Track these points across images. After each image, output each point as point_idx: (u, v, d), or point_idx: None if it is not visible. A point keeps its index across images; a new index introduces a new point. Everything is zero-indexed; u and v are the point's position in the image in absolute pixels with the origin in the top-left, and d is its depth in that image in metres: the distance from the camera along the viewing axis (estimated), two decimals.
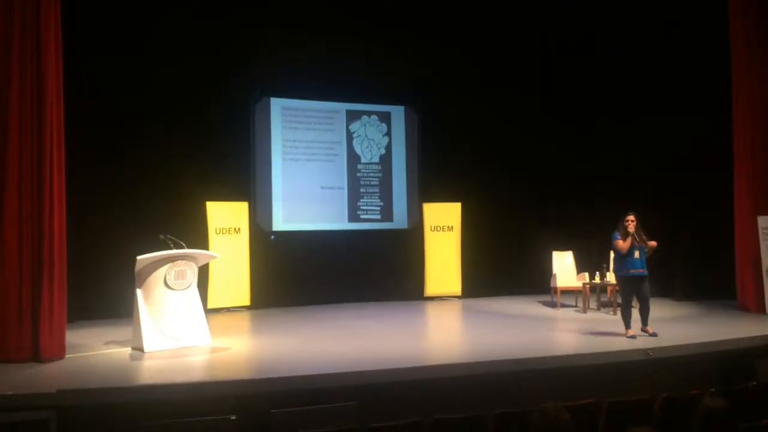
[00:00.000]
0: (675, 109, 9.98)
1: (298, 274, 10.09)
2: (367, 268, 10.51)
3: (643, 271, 7.07)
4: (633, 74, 10.57)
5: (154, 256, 6.62)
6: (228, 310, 9.53)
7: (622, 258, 7.09)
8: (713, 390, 4.56)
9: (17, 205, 6.21)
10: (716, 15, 9.00)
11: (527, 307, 9.85)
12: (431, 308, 10.11)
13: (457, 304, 10.41)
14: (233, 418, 4.81)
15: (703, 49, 9.48)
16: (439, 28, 10.63)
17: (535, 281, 10.63)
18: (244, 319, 9.11)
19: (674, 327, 7.63)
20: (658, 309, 7.88)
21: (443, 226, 10.87)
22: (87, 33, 8.34)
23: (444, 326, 9.13)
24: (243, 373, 5.99)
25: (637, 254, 7.03)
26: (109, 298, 8.39)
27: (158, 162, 9.18)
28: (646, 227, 7.22)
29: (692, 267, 9.91)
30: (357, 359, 6.18)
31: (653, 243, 7.09)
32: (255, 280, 9.83)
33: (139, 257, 6.51)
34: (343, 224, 10.74)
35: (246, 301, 9.74)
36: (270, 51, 10.23)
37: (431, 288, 10.75)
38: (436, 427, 4.28)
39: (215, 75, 9.61)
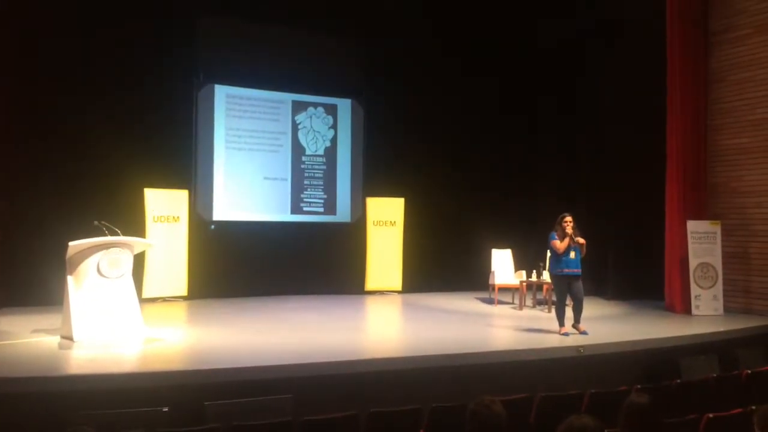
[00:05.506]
0: (613, 113, 10.28)
1: (237, 265, 9.93)
2: (308, 261, 10.43)
3: (578, 271, 7.26)
4: (575, 76, 10.84)
5: (86, 243, 6.40)
6: (164, 300, 9.32)
7: (559, 257, 7.26)
8: (639, 386, 4.76)
9: None
10: (655, 23, 9.29)
11: (465, 303, 9.99)
12: (371, 302, 10.13)
13: (397, 299, 10.47)
14: (165, 410, 4.71)
15: (643, 55, 9.77)
16: (387, 23, 10.62)
17: (474, 278, 10.79)
18: (180, 310, 8.92)
19: (604, 325, 7.88)
20: (590, 308, 8.10)
21: (386, 221, 10.90)
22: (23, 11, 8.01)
23: (382, 321, 9.17)
24: (176, 364, 5.86)
25: (573, 254, 7.21)
26: (37, 284, 8.09)
27: (94, 143, 8.81)
28: (579, 227, 7.42)
29: (623, 268, 10.21)
30: (294, 352, 6.15)
31: (582, 240, 7.27)
32: (193, 270, 9.61)
33: (71, 243, 6.29)
34: (286, 216, 10.63)
35: (183, 291, 9.53)
36: (216, 37, 10.02)
37: (372, 282, 10.77)
38: (371, 420, 4.31)
39: (159, 58, 9.33)
